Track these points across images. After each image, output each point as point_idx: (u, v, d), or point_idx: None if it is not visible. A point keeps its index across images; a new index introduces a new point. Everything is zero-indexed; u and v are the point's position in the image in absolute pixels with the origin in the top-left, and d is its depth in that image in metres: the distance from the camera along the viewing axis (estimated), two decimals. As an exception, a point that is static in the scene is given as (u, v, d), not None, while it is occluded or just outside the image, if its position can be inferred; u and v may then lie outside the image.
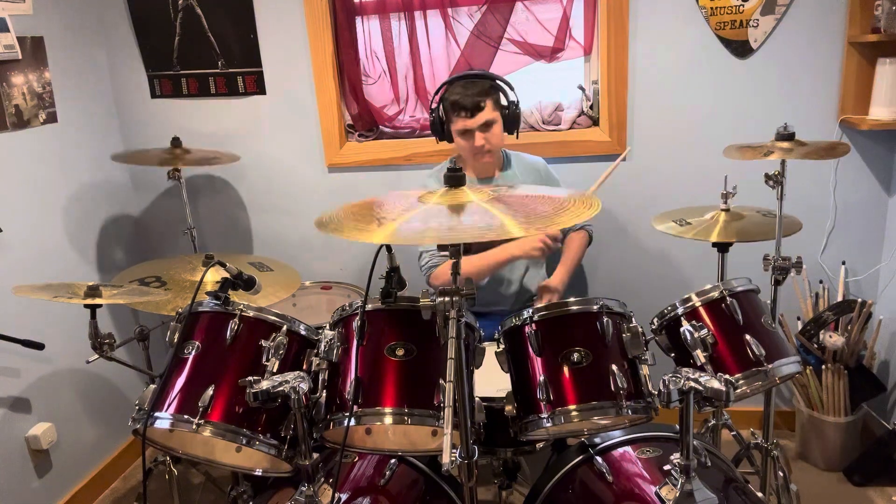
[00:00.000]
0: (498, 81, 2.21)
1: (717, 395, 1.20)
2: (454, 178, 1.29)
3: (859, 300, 2.36)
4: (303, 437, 1.33)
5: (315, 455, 1.36)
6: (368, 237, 1.16)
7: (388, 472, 1.58)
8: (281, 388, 1.27)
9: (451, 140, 2.25)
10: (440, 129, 2.25)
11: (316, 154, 2.75)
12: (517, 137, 2.29)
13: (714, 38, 2.40)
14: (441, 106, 2.22)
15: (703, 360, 1.38)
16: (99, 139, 2.73)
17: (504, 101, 2.22)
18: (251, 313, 1.50)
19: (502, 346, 1.51)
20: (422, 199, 1.28)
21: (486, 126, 2.15)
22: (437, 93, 2.24)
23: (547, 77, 2.61)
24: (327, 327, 1.47)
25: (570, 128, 2.61)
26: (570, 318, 1.46)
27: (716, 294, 1.55)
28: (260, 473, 1.56)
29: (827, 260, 2.54)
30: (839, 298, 2.50)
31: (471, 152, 2.21)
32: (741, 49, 2.39)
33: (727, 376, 1.23)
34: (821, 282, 2.54)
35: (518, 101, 2.23)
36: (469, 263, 2.14)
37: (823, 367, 2.38)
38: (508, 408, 1.46)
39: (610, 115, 2.52)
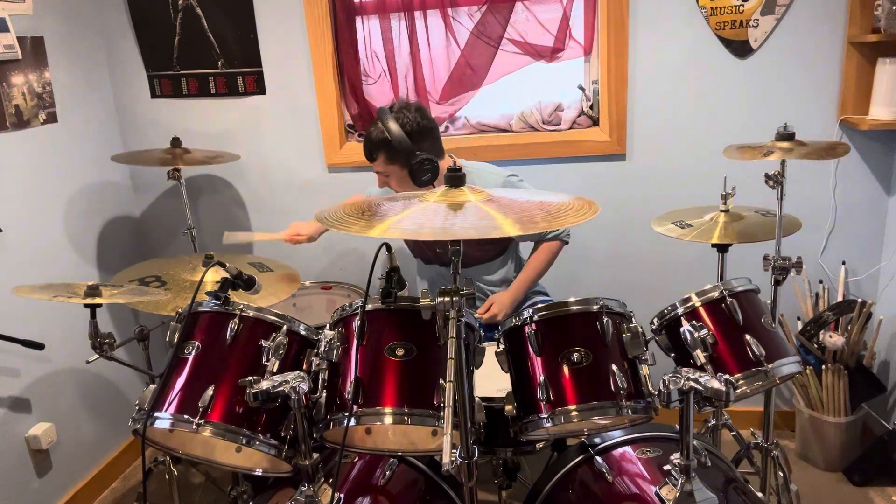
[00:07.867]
0: (394, 138, 1.97)
1: (717, 395, 1.20)
2: (454, 179, 1.29)
3: (859, 300, 2.36)
4: (303, 437, 1.33)
5: (315, 455, 1.36)
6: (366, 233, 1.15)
7: (388, 472, 1.58)
8: (281, 388, 1.27)
9: None
10: None
11: (316, 154, 2.75)
12: (434, 187, 1.93)
13: (714, 38, 2.39)
14: None
15: (703, 360, 1.39)
16: (99, 139, 2.73)
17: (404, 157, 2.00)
18: (251, 313, 1.50)
19: (502, 346, 1.52)
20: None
21: (384, 174, 2.11)
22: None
23: (547, 77, 2.61)
24: (327, 327, 1.47)
25: (570, 128, 2.61)
26: (570, 318, 1.46)
27: (716, 294, 1.55)
28: (260, 473, 1.56)
29: (827, 260, 2.54)
30: (839, 298, 2.50)
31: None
32: (741, 49, 2.39)
33: (727, 376, 1.23)
34: (821, 282, 2.54)
35: (428, 161, 1.96)
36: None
37: (823, 367, 2.38)
38: (508, 408, 1.46)
39: (610, 115, 2.52)
